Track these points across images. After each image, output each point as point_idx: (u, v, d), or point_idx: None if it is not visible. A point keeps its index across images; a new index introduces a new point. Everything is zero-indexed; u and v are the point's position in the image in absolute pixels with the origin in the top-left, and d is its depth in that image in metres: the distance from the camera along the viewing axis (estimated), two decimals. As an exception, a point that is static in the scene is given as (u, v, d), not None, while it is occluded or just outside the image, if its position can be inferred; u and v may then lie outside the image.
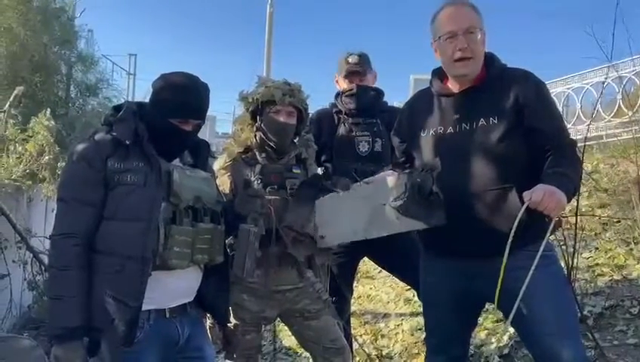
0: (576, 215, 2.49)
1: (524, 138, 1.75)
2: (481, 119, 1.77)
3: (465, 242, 1.74)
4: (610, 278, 3.20)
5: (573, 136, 1.95)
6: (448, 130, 1.83)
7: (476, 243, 1.71)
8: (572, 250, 2.18)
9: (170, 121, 1.66)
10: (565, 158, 1.71)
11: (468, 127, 1.79)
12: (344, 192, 2.03)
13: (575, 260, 2.12)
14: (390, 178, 1.88)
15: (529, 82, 1.79)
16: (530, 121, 1.74)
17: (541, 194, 1.56)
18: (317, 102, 2.94)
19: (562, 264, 1.95)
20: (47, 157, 5.54)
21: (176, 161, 1.76)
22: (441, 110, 1.87)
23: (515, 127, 1.74)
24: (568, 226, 3.22)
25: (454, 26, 1.78)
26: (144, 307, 1.57)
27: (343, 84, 2.73)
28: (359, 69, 2.69)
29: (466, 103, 1.82)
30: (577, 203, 2.36)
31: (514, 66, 1.88)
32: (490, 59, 1.86)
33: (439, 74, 1.92)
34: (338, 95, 2.77)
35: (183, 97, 1.67)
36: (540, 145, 1.74)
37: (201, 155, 1.84)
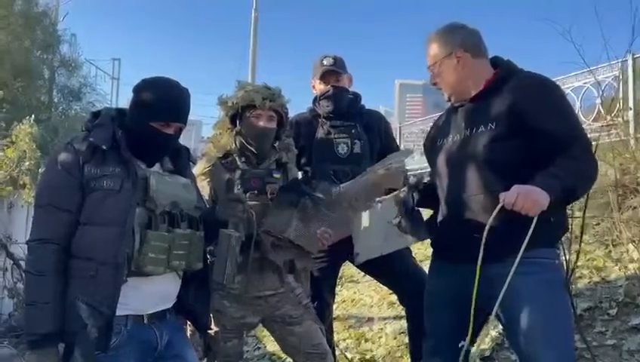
0: (583, 218, 2.41)
1: (527, 142, 1.72)
2: (482, 126, 1.81)
3: (462, 247, 1.77)
4: (590, 280, 3.24)
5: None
6: (456, 138, 1.89)
7: (472, 248, 1.71)
8: (569, 256, 2.17)
9: (151, 124, 1.67)
10: (568, 158, 1.68)
11: (469, 134, 1.84)
12: (369, 210, 2.19)
13: (574, 267, 2.07)
14: (391, 197, 2.00)
15: (532, 85, 1.80)
16: (532, 122, 1.71)
17: (515, 195, 1.57)
18: (301, 107, 2.94)
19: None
20: (28, 163, 5.49)
21: (157, 167, 1.76)
22: (456, 120, 1.94)
23: (513, 132, 1.74)
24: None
25: (427, 64, 1.99)
26: (121, 312, 1.57)
27: (320, 87, 2.74)
28: (334, 69, 2.70)
29: (472, 111, 1.88)
30: (585, 206, 2.29)
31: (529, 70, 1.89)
32: (501, 65, 1.90)
33: None
34: (316, 99, 2.78)
35: (163, 101, 1.68)
36: (546, 147, 1.71)
37: (181, 161, 1.84)
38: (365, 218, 2.20)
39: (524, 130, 1.72)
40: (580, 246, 2.26)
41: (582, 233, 2.48)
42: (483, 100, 1.86)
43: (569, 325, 1.80)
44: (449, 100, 1.99)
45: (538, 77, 1.83)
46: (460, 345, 1.76)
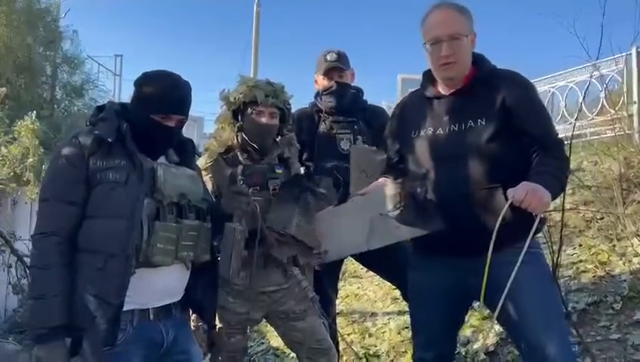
0: (562, 211, 2.50)
1: (514, 138, 1.77)
2: (470, 121, 1.80)
3: (454, 240, 1.77)
4: (594, 275, 3.22)
5: (560, 135, 1.99)
6: (438, 131, 1.86)
7: (465, 241, 1.74)
8: (557, 246, 2.20)
9: (152, 117, 1.67)
10: (552, 158, 1.74)
11: (457, 129, 1.82)
12: (341, 205, 2.09)
13: (559, 257, 2.15)
14: (384, 188, 1.92)
15: (516, 84, 1.82)
16: (518, 122, 1.77)
17: (524, 192, 1.59)
18: (303, 101, 2.93)
19: (548, 260, 1.97)
20: (31, 160, 5.51)
21: (162, 159, 1.76)
22: (432, 111, 1.90)
23: (503, 129, 1.77)
24: (552, 224, 3.25)
25: (439, 32, 1.80)
26: (127, 306, 1.57)
27: (323, 82, 2.73)
28: (338, 65, 2.69)
29: (456, 105, 1.85)
30: (563, 200, 2.37)
31: (503, 67, 1.91)
32: (479, 60, 1.89)
33: (430, 76, 1.94)
34: (318, 94, 2.77)
35: (164, 93, 1.68)
36: (528, 145, 1.77)
37: (186, 153, 1.84)
38: (334, 214, 2.11)
39: (510, 127, 1.77)
40: (561, 238, 2.31)
41: (562, 224, 2.52)
42: (466, 95, 1.84)
43: (562, 311, 1.88)
44: (427, 84, 1.93)
45: (519, 77, 1.87)
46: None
